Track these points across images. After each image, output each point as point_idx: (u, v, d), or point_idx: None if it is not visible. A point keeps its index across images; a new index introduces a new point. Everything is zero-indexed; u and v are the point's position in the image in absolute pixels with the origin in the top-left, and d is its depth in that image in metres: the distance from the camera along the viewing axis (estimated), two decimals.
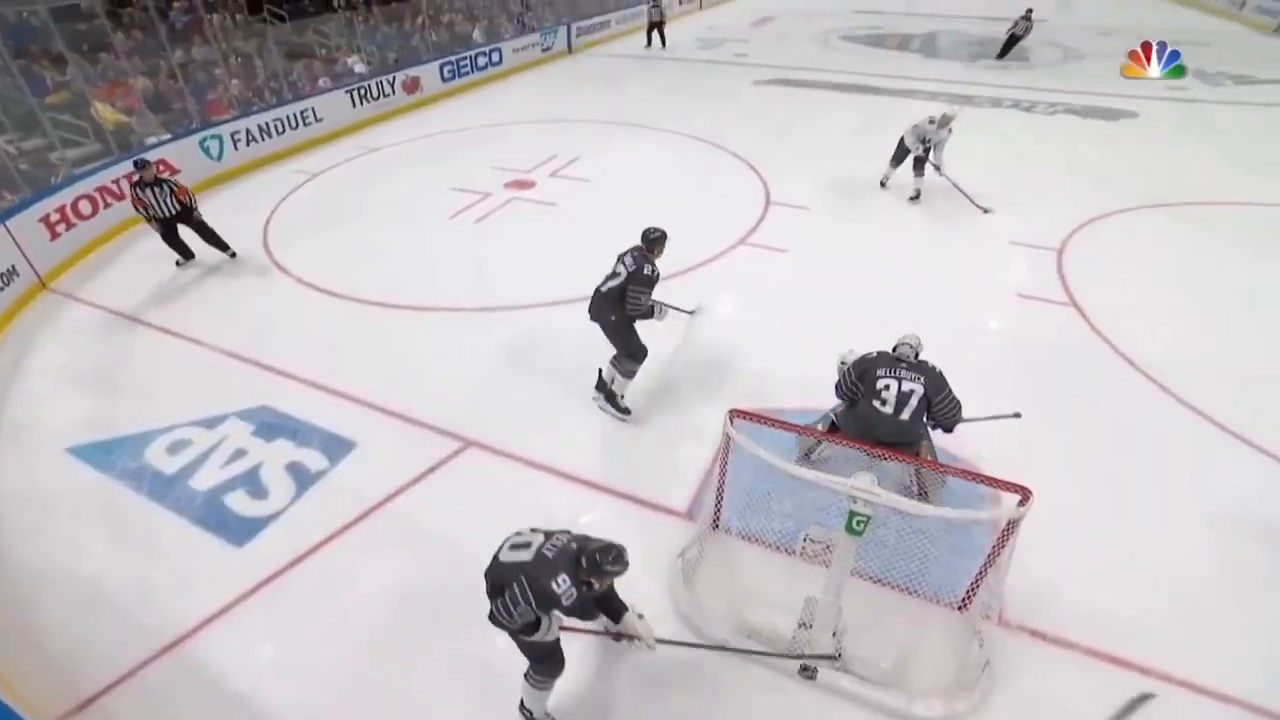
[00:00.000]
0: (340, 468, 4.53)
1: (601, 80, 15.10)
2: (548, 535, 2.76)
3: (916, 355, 3.93)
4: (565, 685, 3.15)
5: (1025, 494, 2.92)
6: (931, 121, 7.68)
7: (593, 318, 4.81)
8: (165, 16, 10.41)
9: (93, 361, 5.72)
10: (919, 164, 8.03)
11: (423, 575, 3.81)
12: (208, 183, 9.24)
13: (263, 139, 10.12)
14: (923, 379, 3.74)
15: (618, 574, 2.67)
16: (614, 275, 4.63)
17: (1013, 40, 15.22)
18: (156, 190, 6.78)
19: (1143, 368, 5.34)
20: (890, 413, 3.72)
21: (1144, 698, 2.76)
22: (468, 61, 14.23)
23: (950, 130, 7.78)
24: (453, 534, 4.04)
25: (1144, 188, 8.61)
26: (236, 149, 9.72)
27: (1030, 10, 14.94)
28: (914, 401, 3.70)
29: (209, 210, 7.30)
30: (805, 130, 11.23)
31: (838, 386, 4.04)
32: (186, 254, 7.31)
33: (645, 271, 4.51)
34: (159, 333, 6.09)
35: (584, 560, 2.61)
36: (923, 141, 7.84)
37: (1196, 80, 13.68)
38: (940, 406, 3.73)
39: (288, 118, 10.49)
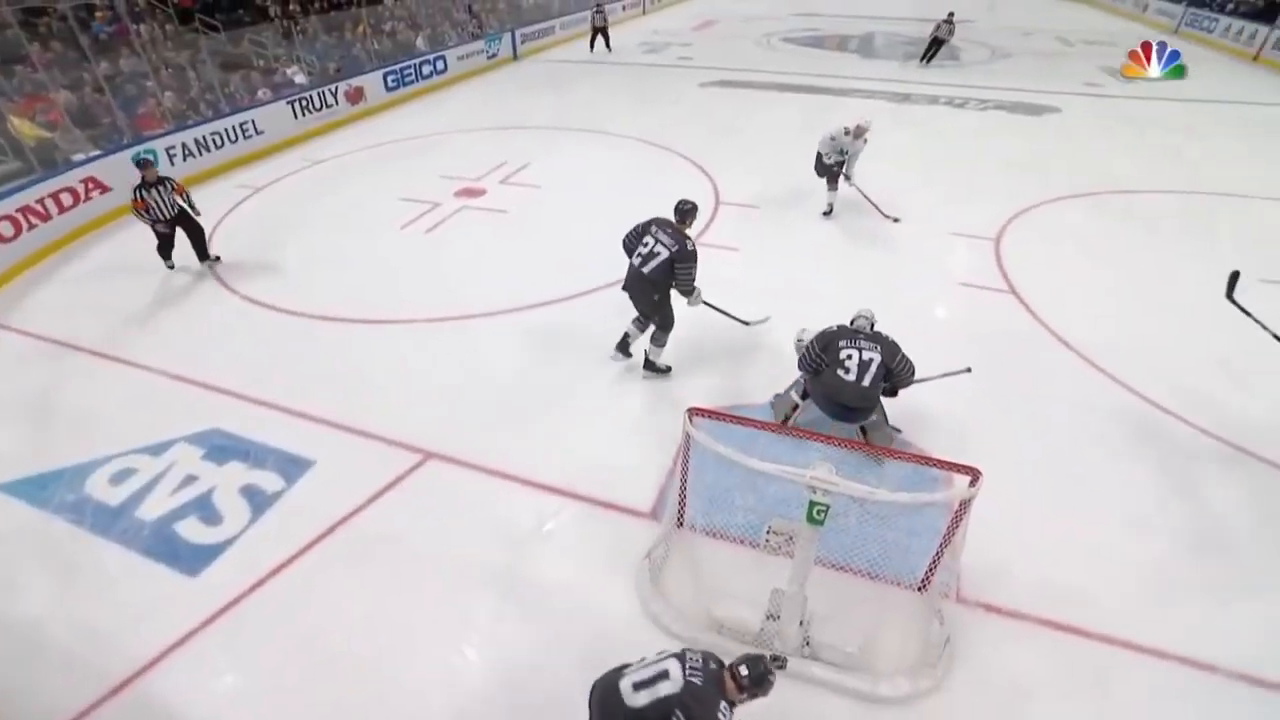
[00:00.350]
0: (297, 488, 4.41)
1: (548, 86, 15.07)
2: (680, 658, 2.49)
3: (872, 326, 4.38)
4: (506, 694, 3.15)
5: (975, 475, 3.03)
6: (847, 132, 7.50)
7: (631, 295, 5.06)
8: (87, 27, 9.96)
9: (24, 392, 5.42)
10: (834, 178, 7.82)
11: (387, 592, 3.74)
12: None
13: (200, 153, 9.77)
14: (879, 347, 4.20)
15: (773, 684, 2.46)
16: (652, 255, 4.76)
17: (936, 43, 15.69)
18: (160, 190, 6.47)
19: (1078, 349, 5.63)
20: (853, 379, 4.14)
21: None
22: (412, 70, 14.02)
23: (865, 140, 7.73)
24: (416, 548, 3.99)
25: (1070, 179, 9.07)
26: (173, 164, 9.34)
27: (952, 13, 15.45)
28: (874, 368, 4.16)
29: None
30: (751, 130, 11.44)
31: (801, 361, 4.35)
32: (170, 259, 7.07)
33: (689, 247, 4.73)
34: (96, 358, 5.81)
35: (738, 676, 2.41)
36: (840, 153, 7.62)
37: (1110, 77, 14.76)
38: (898, 369, 4.23)
39: (226, 131, 10.15)
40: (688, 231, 4.80)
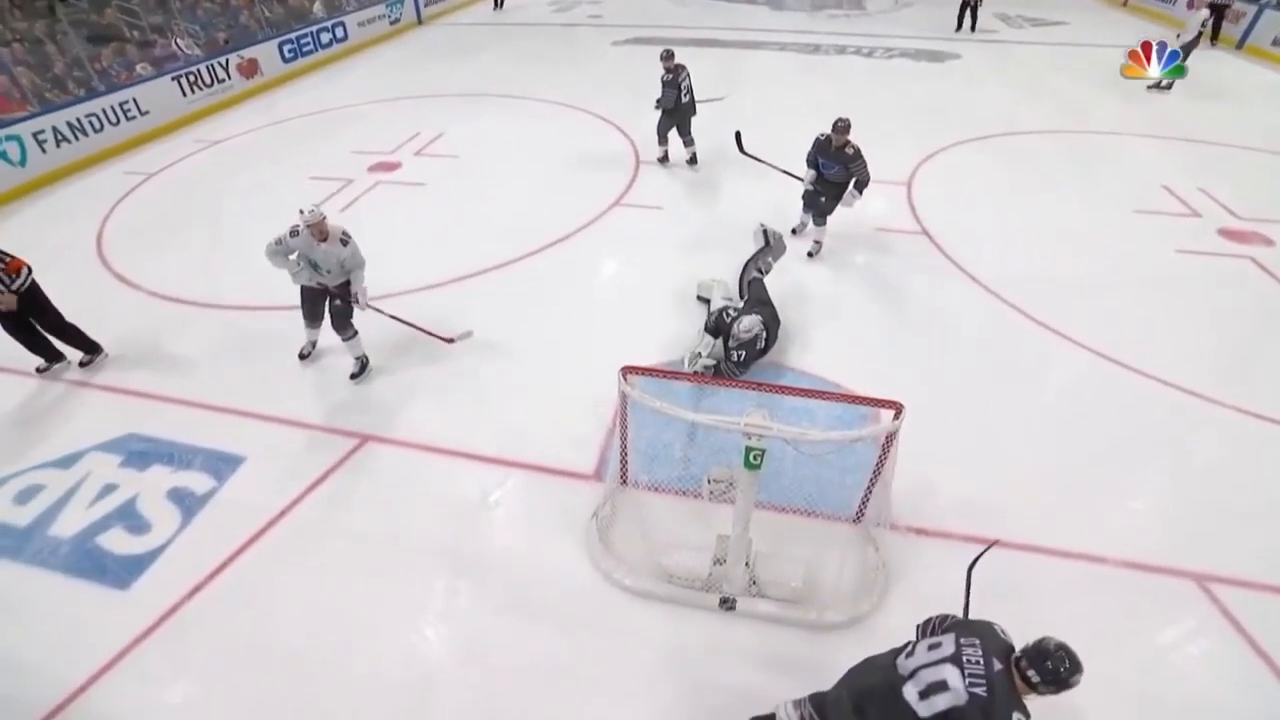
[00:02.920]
0: (229, 485, 4.24)
1: (457, 51, 14.47)
2: (957, 662, 2.14)
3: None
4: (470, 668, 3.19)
5: (898, 408, 3.21)
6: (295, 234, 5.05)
7: (678, 122, 7.90)
8: None
9: None
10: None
11: (338, 580, 3.69)
12: (13, 193, 8.11)
13: (76, 138, 8.95)
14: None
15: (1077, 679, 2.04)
16: (690, 89, 7.67)
17: (967, 5, 14.50)
18: None
19: (984, 284, 5.99)
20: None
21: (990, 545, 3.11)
22: (310, 38, 13.15)
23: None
24: (363, 533, 3.93)
25: (971, 122, 9.50)
26: (45, 151, 8.55)
27: None
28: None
29: (20, 225, 6.24)
30: None
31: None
32: (51, 354, 5.18)
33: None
34: None
35: (1029, 679, 2.05)
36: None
37: (1002, 24, 15.64)
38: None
39: (104, 111, 9.31)
40: None
